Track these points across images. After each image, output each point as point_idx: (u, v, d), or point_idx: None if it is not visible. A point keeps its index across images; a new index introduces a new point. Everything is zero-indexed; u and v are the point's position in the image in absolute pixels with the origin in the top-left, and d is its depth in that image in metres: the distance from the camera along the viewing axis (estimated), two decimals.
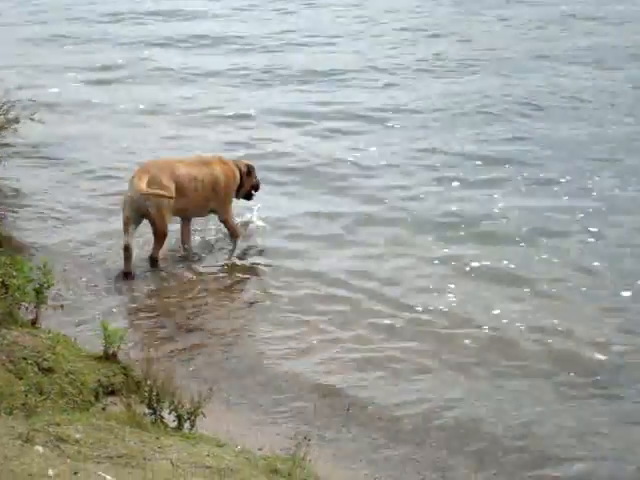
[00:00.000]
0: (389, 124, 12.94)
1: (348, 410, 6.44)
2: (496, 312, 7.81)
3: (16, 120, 10.88)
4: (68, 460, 4.19)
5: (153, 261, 8.98)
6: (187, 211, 9.21)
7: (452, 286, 8.32)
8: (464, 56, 16.17)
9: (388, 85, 14.81)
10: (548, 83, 14.35)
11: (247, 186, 9.68)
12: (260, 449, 5.54)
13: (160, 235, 8.92)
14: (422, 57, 16.22)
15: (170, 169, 8.98)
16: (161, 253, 9.05)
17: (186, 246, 9.40)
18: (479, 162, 11.34)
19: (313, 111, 13.63)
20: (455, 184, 10.73)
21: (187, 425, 5.25)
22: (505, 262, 8.72)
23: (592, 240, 9.15)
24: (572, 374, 6.88)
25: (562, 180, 10.62)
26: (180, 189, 8.93)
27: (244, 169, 9.60)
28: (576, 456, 5.97)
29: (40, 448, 4.23)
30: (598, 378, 6.81)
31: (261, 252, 9.34)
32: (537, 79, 14.62)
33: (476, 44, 17.00)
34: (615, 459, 5.94)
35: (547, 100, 13.55)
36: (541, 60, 15.64)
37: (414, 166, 11.38)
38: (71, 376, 5.89)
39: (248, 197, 9.81)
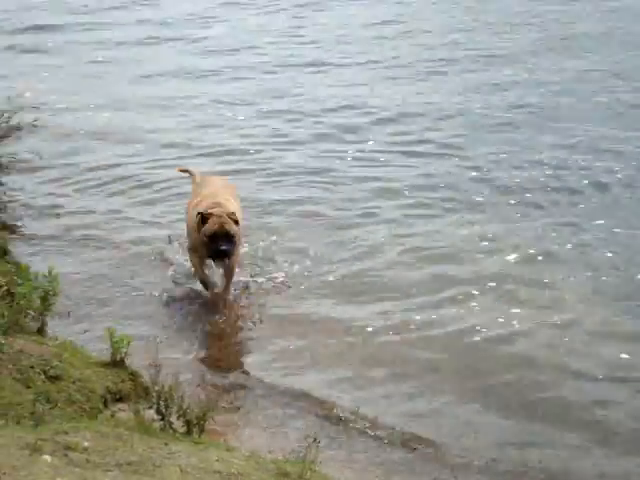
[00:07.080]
0: None
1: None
2: None
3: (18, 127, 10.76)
4: (76, 469, 4.15)
5: None
6: None
7: None
8: None
9: None
10: None
11: None
12: (270, 452, 5.50)
13: None
14: None
15: None
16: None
17: None
18: None
19: None
20: None
21: (196, 430, 5.22)
22: None
23: None
24: None
25: None
26: None
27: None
28: None
29: (48, 457, 4.20)
30: None
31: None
32: None
33: None
34: None
35: None
36: None
37: None
38: (79, 383, 5.83)
39: None
